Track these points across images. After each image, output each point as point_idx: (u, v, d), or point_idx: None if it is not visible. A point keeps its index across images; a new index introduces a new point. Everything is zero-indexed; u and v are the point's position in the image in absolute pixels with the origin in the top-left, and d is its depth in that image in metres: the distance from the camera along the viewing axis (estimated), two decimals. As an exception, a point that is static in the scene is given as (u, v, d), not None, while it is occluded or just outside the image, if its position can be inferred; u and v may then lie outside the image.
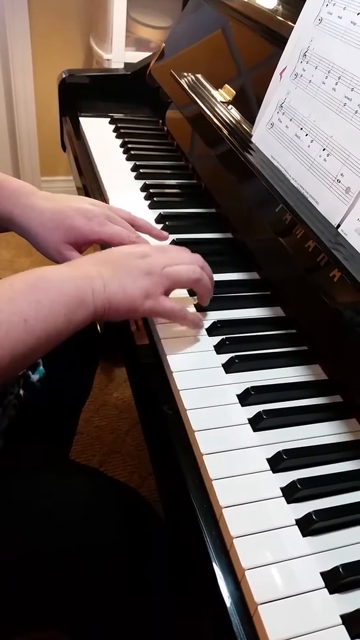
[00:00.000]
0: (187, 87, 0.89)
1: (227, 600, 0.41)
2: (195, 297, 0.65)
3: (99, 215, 0.65)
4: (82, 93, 1.17)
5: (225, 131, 0.77)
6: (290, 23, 0.75)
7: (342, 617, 0.39)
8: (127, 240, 0.65)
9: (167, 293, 0.57)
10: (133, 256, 0.56)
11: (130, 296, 0.54)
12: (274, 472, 0.48)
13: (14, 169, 2.21)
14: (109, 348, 1.37)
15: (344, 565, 0.41)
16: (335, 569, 0.41)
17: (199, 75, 0.93)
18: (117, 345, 0.71)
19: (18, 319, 0.46)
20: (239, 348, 0.59)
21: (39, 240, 0.64)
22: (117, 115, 1.12)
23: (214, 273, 0.71)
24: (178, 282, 0.57)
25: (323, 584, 0.41)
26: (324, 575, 0.41)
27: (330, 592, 0.40)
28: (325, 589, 0.40)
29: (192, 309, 0.64)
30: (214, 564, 0.43)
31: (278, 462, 0.48)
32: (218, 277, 0.71)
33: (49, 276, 0.50)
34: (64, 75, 1.15)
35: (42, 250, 0.65)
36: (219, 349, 0.60)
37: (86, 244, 0.66)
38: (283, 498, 0.46)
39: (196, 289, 0.61)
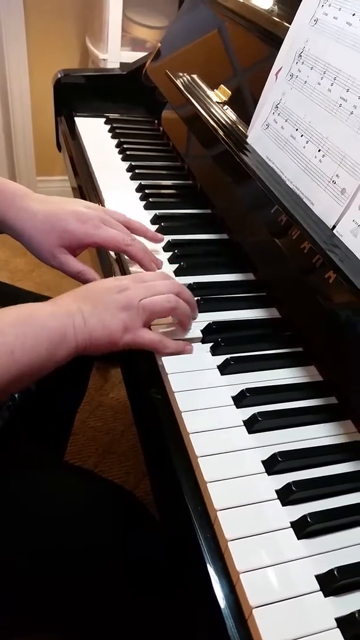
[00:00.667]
0: (182, 88, 0.89)
1: (222, 603, 0.41)
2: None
3: (94, 218, 0.64)
4: (78, 93, 1.17)
5: (220, 132, 0.77)
6: (285, 24, 0.75)
7: (337, 620, 0.39)
8: (122, 243, 0.65)
9: (147, 324, 0.58)
10: (111, 291, 0.57)
11: (109, 330, 0.54)
12: (269, 474, 0.48)
13: (10, 169, 2.21)
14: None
15: (339, 568, 0.41)
16: (330, 571, 0.41)
17: (194, 76, 0.93)
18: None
19: (6, 350, 0.48)
20: (234, 349, 0.59)
21: (33, 243, 0.64)
22: (112, 115, 1.12)
23: (209, 274, 0.71)
24: (154, 313, 0.58)
25: (318, 587, 0.41)
26: (319, 578, 0.41)
27: (326, 595, 0.40)
28: (321, 592, 0.40)
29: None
30: (208, 567, 0.43)
31: (273, 465, 0.48)
32: (213, 278, 0.71)
33: (35, 312, 0.52)
34: (59, 75, 1.15)
35: (36, 253, 0.65)
36: (214, 350, 0.59)
37: (81, 247, 0.66)
38: (278, 500, 0.46)
39: (174, 316, 0.60)
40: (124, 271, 0.71)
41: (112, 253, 0.75)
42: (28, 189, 0.67)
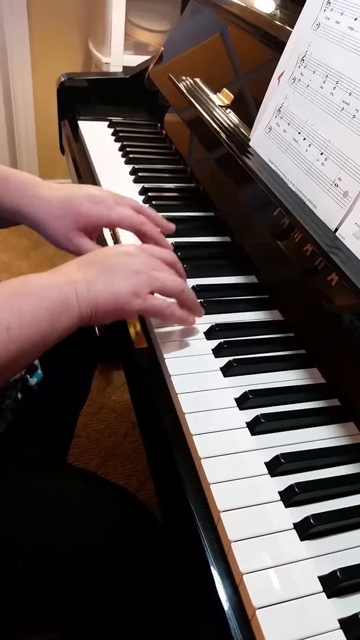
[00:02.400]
0: (185, 91, 0.89)
1: (225, 604, 0.41)
2: None
3: (107, 199, 0.64)
4: (81, 97, 1.17)
5: (223, 135, 0.77)
6: (288, 28, 0.75)
7: (340, 621, 0.39)
8: (136, 222, 0.64)
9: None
10: (119, 254, 0.55)
11: (117, 295, 0.52)
12: (272, 476, 0.48)
13: (13, 171, 2.21)
14: (107, 351, 1.37)
15: (341, 569, 0.41)
16: (333, 573, 0.41)
17: (197, 79, 0.94)
18: (116, 348, 0.71)
19: (0, 327, 0.45)
20: (237, 352, 0.60)
21: (48, 229, 0.63)
22: (115, 119, 1.13)
23: (212, 276, 0.72)
24: (164, 288, 0.56)
25: (321, 588, 0.41)
26: (321, 579, 0.41)
27: (328, 596, 0.40)
28: (323, 593, 0.40)
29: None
30: (212, 568, 0.43)
31: (276, 466, 0.48)
32: (216, 280, 0.71)
33: (31, 283, 0.50)
34: (62, 79, 1.16)
35: (52, 239, 0.64)
36: (217, 352, 0.60)
37: (96, 229, 0.65)
38: (281, 502, 0.46)
39: (182, 301, 0.59)
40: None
41: (110, 240, 0.75)
42: (38, 178, 0.66)
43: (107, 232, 0.79)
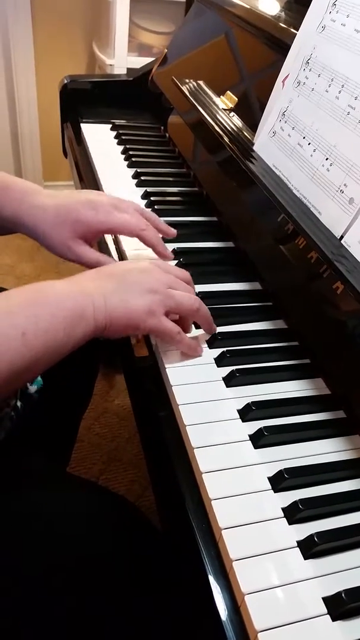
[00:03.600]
0: (188, 94, 0.88)
1: (226, 625, 0.40)
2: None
3: (105, 204, 0.63)
4: (84, 99, 1.17)
5: (226, 139, 0.76)
6: (292, 30, 0.74)
7: (346, 645, 0.38)
8: (136, 228, 0.63)
9: (167, 314, 0.56)
10: (135, 271, 0.55)
11: (132, 312, 0.52)
12: (275, 491, 0.46)
13: (17, 173, 2.21)
14: (110, 354, 1.36)
15: (346, 591, 0.39)
16: (338, 594, 0.39)
17: (200, 82, 0.92)
18: (117, 352, 0.70)
19: (16, 332, 0.45)
20: (239, 361, 0.58)
21: (47, 238, 0.62)
22: (118, 122, 1.12)
23: (215, 283, 0.71)
24: (180, 307, 0.56)
25: (325, 610, 0.39)
26: (326, 600, 0.40)
27: (333, 619, 0.39)
28: (328, 615, 0.39)
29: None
30: (212, 586, 0.42)
31: (279, 481, 0.47)
32: (219, 287, 0.70)
33: (49, 290, 0.50)
34: (65, 81, 1.15)
35: (51, 248, 0.63)
36: (220, 361, 0.58)
37: (95, 236, 0.64)
38: (284, 519, 0.45)
39: (197, 319, 0.59)
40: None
41: (113, 248, 0.74)
42: (38, 186, 0.65)
43: (108, 236, 0.78)
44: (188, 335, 0.59)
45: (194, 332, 0.62)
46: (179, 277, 0.59)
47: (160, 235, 0.69)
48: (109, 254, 0.74)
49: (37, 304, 0.48)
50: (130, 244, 0.73)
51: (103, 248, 0.76)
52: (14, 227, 0.64)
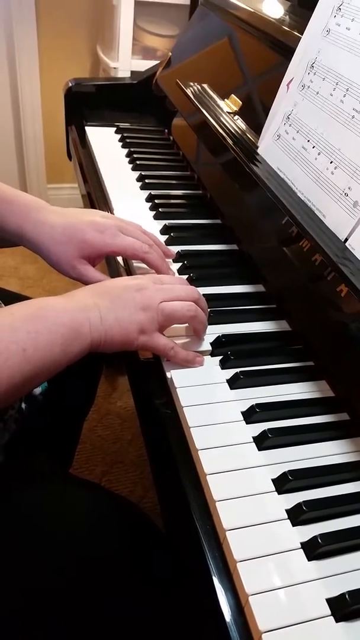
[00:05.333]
0: (192, 97, 0.88)
1: (230, 626, 0.40)
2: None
3: (111, 227, 0.64)
4: (88, 102, 1.17)
5: (230, 142, 0.77)
6: (297, 33, 0.74)
7: (349, 647, 0.38)
8: (140, 251, 0.65)
9: (162, 328, 0.57)
10: (130, 289, 0.56)
11: (126, 330, 0.53)
12: (279, 493, 0.47)
13: (21, 176, 2.22)
14: (113, 356, 1.36)
15: (350, 592, 0.39)
16: (342, 596, 0.40)
17: (205, 85, 0.93)
18: (121, 355, 0.70)
19: (17, 348, 0.46)
20: (244, 363, 0.59)
21: (51, 255, 0.64)
22: (123, 125, 1.12)
23: (219, 285, 0.71)
24: (173, 318, 0.57)
25: (329, 612, 0.39)
26: (330, 602, 0.40)
27: (337, 621, 0.39)
28: (332, 617, 0.39)
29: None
30: (216, 588, 0.42)
31: (283, 483, 0.47)
32: (223, 289, 0.70)
33: (49, 307, 0.51)
34: (70, 84, 1.15)
35: (54, 265, 0.65)
36: (224, 363, 0.59)
37: (99, 256, 0.66)
38: (288, 520, 0.45)
39: (191, 325, 0.60)
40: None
41: (121, 262, 0.75)
42: (43, 201, 0.67)
43: None
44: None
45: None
46: (176, 285, 0.59)
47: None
48: (116, 264, 0.75)
49: (38, 319, 0.49)
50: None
51: (111, 260, 0.76)
52: (18, 241, 0.66)
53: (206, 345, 0.61)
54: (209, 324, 0.63)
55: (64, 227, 0.63)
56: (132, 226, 0.68)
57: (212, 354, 0.60)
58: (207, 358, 0.60)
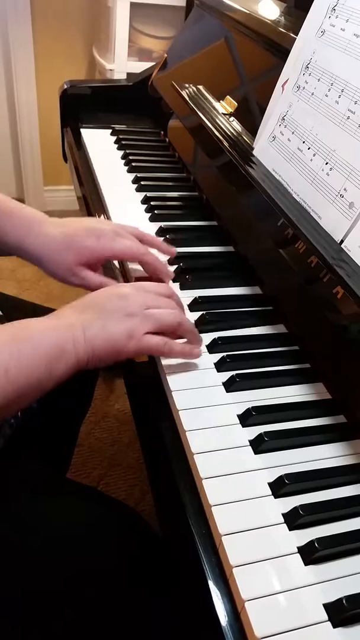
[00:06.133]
0: (188, 99, 0.88)
1: (226, 632, 0.40)
2: None
3: (108, 232, 0.65)
4: (84, 104, 1.17)
5: (226, 143, 0.76)
6: (292, 35, 0.74)
7: (347, 653, 0.37)
8: (138, 253, 0.66)
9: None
10: (113, 298, 0.56)
11: (112, 338, 0.53)
12: (275, 497, 0.46)
13: (17, 178, 2.21)
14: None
15: (347, 597, 0.39)
16: (339, 600, 0.39)
17: (200, 87, 0.93)
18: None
19: None
20: (240, 366, 0.58)
21: (52, 265, 0.65)
22: (118, 127, 1.12)
23: (215, 288, 0.71)
24: (160, 325, 0.56)
25: (326, 617, 0.39)
26: (327, 607, 0.40)
27: (334, 626, 0.39)
28: (329, 622, 0.39)
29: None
30: (212, 593, 0.42)
31: (280, 487, 0.46)
32: (219, 292, 0.70)
33: (32, 327, 0.51)
34: (65, 86, 1.15)
35: (54, 274, 0.66)
36: (220, 366, 0.58)
37: (99, 261, 0.67)
38: (285, 524, 0.44)
39: (181, 333, 0.59)
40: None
41: (116, 264, 0.75)
42: (43, 214, 0.67)
43: None
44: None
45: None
46: (161, 294, 0.59)
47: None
48: (112, 267, 0.75)
49: (21, 339, 0.49)
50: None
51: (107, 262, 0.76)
52: (16, 253, 0.66)
53: (202, 348, 0.60)
54: (206, 326, 0.63)
55: (62, 236, 0.64)
56: (129, 230, 0.68)
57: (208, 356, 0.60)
58: (203, 361, 0.59)
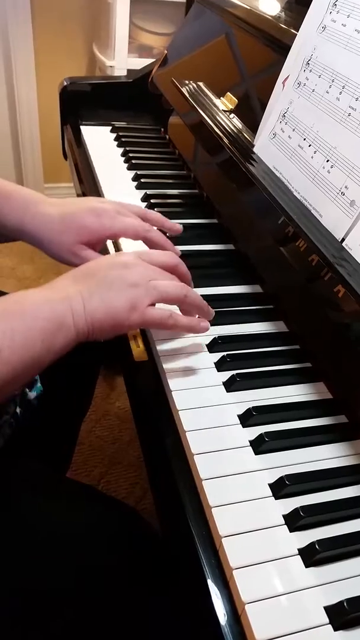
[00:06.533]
0: (188, 96, 0.87)
1: (226, 635, 0.40)
2: None
3: (109, 210, 0.63)
4: (84, 101, 1.16)
5: (226, 140, 0.76)
6: (293, 31, 0.73)
7: (348, 656, 0.37)
8: (140, 230, 0.63)
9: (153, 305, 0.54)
10: (116, 267, 0.53)
11: (114, 310, 0.50)
12: (276, 498, 0.46)
13: (17, 175, 2.21)
14: (110, 356, 1.35)
15: (348, 600, 0.39)
16: (340, 603, 0.39)
17: (200, 83, 0.92)
18: (117, 355, 0.70)
19: None
20: (240, 365, 0.58)
21: (52, 246, 0.62)
22: (118, 124, 1.11)
23: (215, 286, 0.70)
24: (164, 297, 0.54)
25: (327, 620, 0.39)
26: (328, 609, 0.39)
27: (335, 629, 0.38)
28: (330, 625, 0.39)
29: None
30: (212, 595, 0.41)
31: (280, 488, 0.46)
32: (219, 290, 0.70)
33: (26, 301, 0.48)
34: (65, 83, 1.14)
35: (56, 255, 0.63)
36: (220, 366, 0.58)
37: (100, 241, 0.64)
38: (285, 526, 0.44)
39: (186, 307, 0.57)
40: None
41: (112, 248, 0.74)
42: (41, 194, 0.65)
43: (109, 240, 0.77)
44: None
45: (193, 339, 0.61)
46: (166, 263, 0.57)
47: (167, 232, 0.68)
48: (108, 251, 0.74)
49: (13, 315, 0.46)
50: (129, 246, 0.72)
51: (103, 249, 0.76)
52: (17, 236, 0.64)
53: (202, 347, 0.60)
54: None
55: (62, 216, 0.62)
56: (130, 207, 0.66)
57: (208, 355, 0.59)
58: (203, 360, 0.59)
